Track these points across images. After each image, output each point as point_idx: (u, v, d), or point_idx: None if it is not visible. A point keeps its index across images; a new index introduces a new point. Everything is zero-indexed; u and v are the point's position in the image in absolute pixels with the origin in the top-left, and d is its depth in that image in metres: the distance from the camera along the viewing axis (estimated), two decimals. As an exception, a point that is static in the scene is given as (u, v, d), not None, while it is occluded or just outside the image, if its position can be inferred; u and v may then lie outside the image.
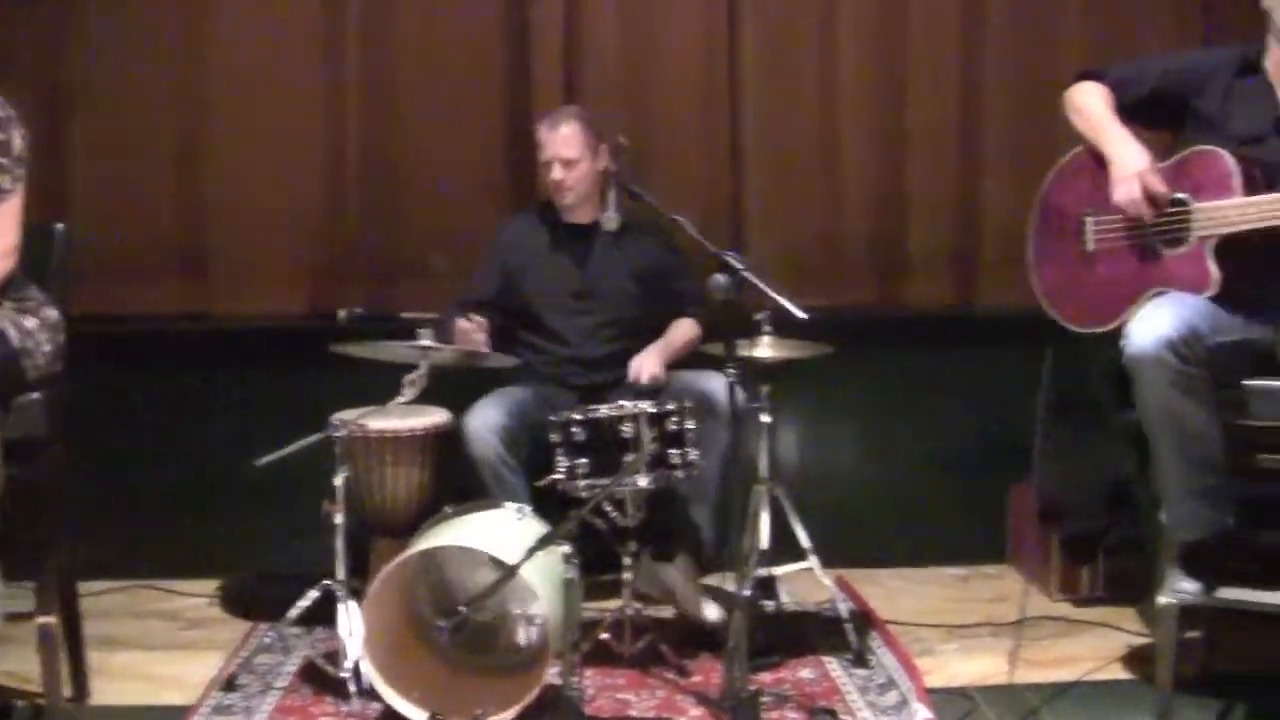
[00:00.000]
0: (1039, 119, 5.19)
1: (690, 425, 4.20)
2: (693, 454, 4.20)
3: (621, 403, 4.22)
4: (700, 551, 4.65)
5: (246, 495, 4.90)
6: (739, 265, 3.82)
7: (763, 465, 4.48)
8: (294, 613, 4.24)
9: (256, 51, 5.25)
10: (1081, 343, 4.15)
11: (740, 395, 3.87)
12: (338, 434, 4.17)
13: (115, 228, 5.21)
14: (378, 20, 5.27)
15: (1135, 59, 4.24)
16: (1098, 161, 4.08)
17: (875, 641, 4.60)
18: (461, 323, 4.55)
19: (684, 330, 4.88)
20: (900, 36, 5.43)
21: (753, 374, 4.38)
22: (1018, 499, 5.45)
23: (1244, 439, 3.82)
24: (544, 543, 3.65)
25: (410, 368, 4.17)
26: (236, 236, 5.30)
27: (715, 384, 4.47)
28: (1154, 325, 3.64)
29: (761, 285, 3.91)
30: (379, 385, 4.25)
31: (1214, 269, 3.79)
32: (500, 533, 3.98)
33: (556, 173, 4.75)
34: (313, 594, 4.21)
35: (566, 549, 3.69)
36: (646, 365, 4.69)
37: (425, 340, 4.17)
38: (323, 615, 4.21)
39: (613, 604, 4.42)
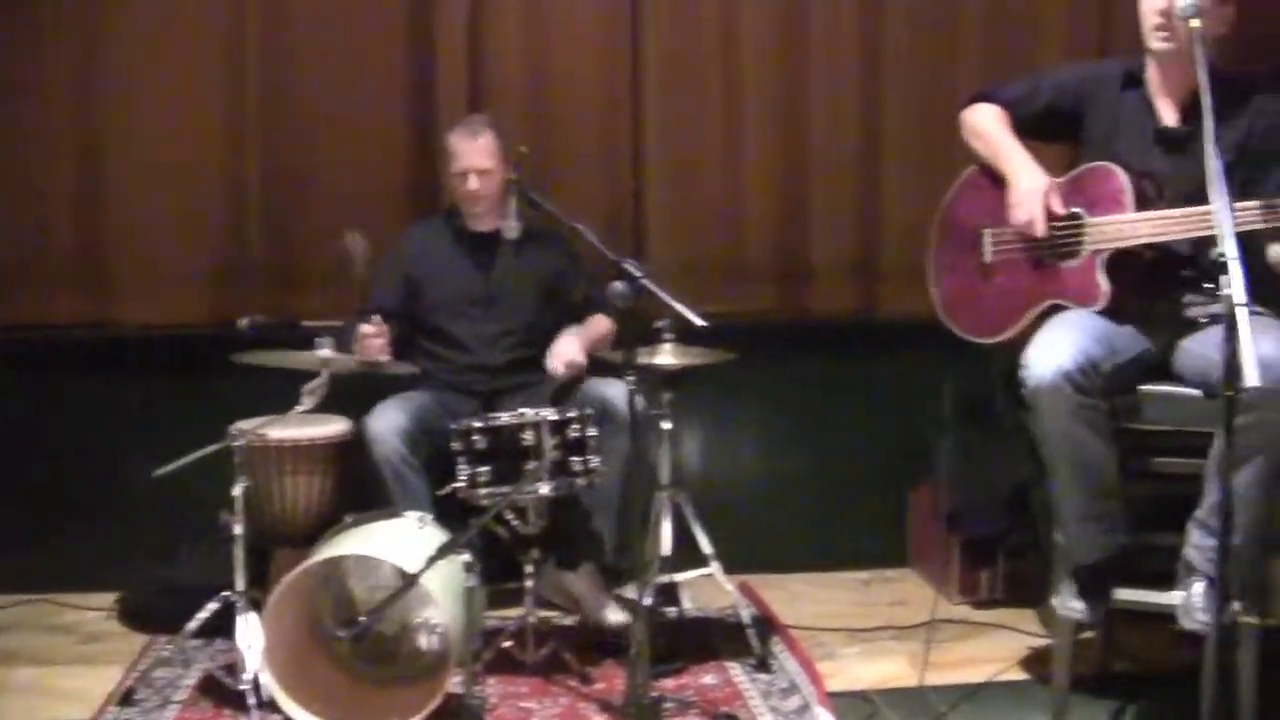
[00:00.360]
0: (938, 129, 5.24)
1: (592, 433, 4.20)
2: (594, 461, 4.20)
3: (523, 410, 4.22)
4: (603, 559, 4.65)
5: (145, 506, 4.86)
6: (638, 273, 3.83)
7: (664, 472, 4.50)
8: (193, 625, 4.19)
9: (155, 54, 5.16)
10: (981, 347, 4.20)
11: (640, 403, 3.88)
12: (237, 443, 4.14)
13: (10, 234, 5.13)
14: (279, 25, 5.20)
15: (1027, 76, 4.29)
16: (996, 177, 4.14)
17: (778, 646, 4.62)
18: (364, 327, 4.51)
19: (601, 323, 4.88)
20: (802, 47, 5.46)
21: (654, 381, 4.39)
22: (918, 503, 5.51)
23: (1138, 443, 3.90)
24: (444, 551, 3.65)
25: (310, 376, 4.14)
26: (135, 243, 5.21)
27: (615, 391, 4.49)
28: (1052, 356, 3.70)
29: (661, 293, 3.91)
30: (279, 394, 4.21)
31: (1104, 282, 3.85)
32: (402, 541, 3.98)
33: (473, 183, 4.73)
34: (212, 606, 4.16)
35: (467, 557, 3.68)
36: (566, 351, 4.67)
37: (325, 349, 4.14)
38: (222, 627, 4.16)
39: (515, 612, 4.41)
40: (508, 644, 4.31)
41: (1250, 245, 3.53)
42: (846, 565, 5.57)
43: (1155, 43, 3.89)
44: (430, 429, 4.52)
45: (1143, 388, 3.86)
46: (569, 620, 4.70)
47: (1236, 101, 3.88)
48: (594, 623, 4.57)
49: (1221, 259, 3.00)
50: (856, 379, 5.57)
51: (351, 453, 4.56)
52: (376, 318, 4.54)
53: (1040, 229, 3.95)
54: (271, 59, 5.21)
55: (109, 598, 5.05)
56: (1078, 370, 3.66)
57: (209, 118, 5.21)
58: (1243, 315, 2.91)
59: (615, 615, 4.55)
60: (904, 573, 5.57)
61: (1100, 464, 3.76)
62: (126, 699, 4.09)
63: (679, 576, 4.53)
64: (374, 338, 4.48)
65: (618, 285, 3.72)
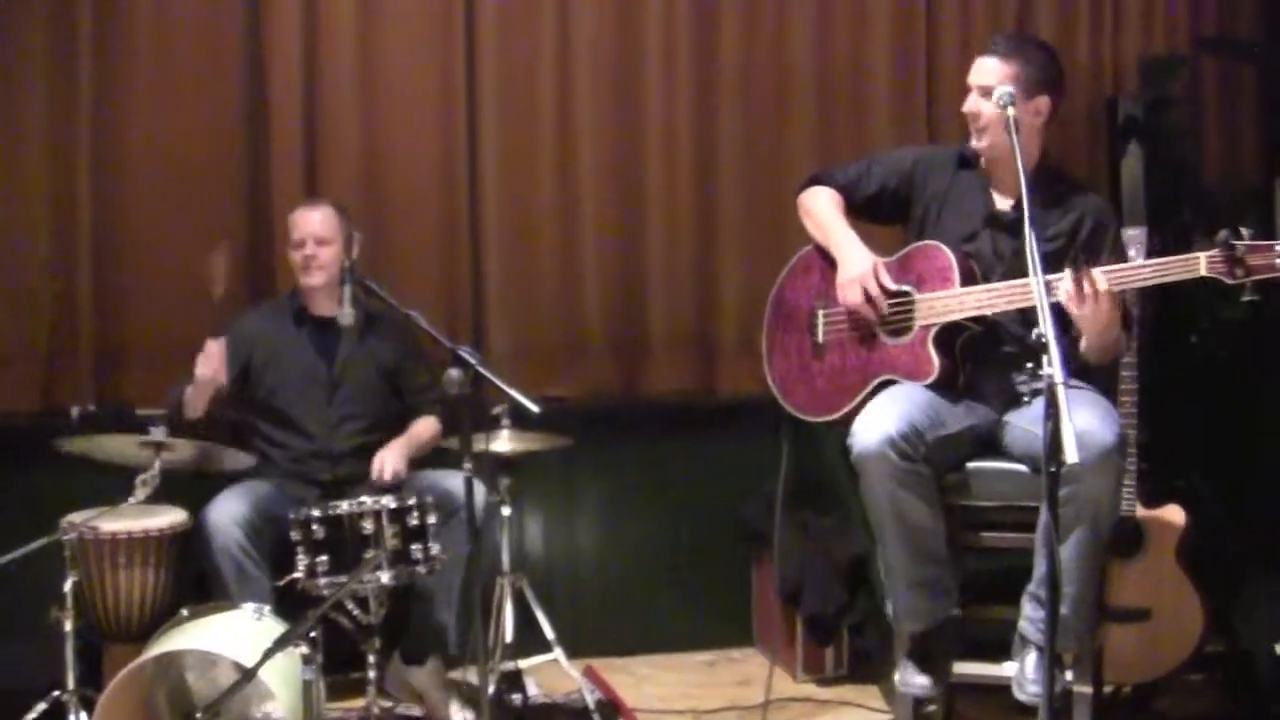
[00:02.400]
0: (773, 207, 5.35)
1: (431, 520, 4.17)
2: (435, 549, 4.17)
3: (362, 499, 4.17)
4: (446, 648, 4.61)
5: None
6: (472, 360, 3.82)
7: (505, 558, 4.49)
8: (21, 727, 4.08)
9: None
10: (820, 425, 4.25)
11: (480, 496, 3.86)
12: (66, 537, 4.05)
13: None
14: (110, 100, 5.11)
15: (862, 159, 4.38)
16: (829, 258, 4.21)
17: (623, 730, 4.62)
18: (209, 343, 4.45)
19: (426, 427, 4.87)
20: (637, 127, 5.51)
21: (492, 467, 4.39)
22: (762, 582, 5.53)
23: (971, 519, 3.98)
24: (280, 644, 3.58)
25: (144, 467, 4.07)
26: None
27: (457, 483, 4.44)
28: (877, 424, 3.77)
29: (495, 380, 3.90)
30: (111, 485, 4.14)
31: (935, 356, 3.93)
32: (239, 634, 3.91)
33: (309, 248, 4.71)
34: (41, 706, 4.06)
35: (304, 649, 3.63)
36: (390, 461, 4.65)
37: (156, 435, 4.08)
38: (54, 728, 4.06)
39: (359, 703, 4.35)
40: (350, 735, 4.26)
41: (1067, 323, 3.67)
42: (691, 646, 5.57)
43: (974, 142, 4.03)
44: (272, 517, 4.46)
45: (972, 464, 3.95)
46: (414, 710, 4.65)
47: (1068, 195, 4.03)
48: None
49: (1041, 339, 3.08)
50: (696, 458, 5.60)
51: (188, 544, 4.48)
52: (222, 339, 4.49)
53: (876, 309, 4.02)
54: (103, 135, 5.11)
55: (-67, 700, 4.89)
56: (901, 437, 3.73)
57: (37, 199, 5.08)
58: (1062, 393, 2.99)
59: (460, 713, 4.50)
60: (749, 652, 5.58)
61: (927, 529, 3.83)
62: (-49, 806, 3.97)
63: (523, 663, 4.50)
64: (212, 356, 4.43)
65: (452, 373, 3.71)
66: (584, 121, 5.49)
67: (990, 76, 3.95)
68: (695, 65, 5.56)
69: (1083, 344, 3.81)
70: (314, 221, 4.74)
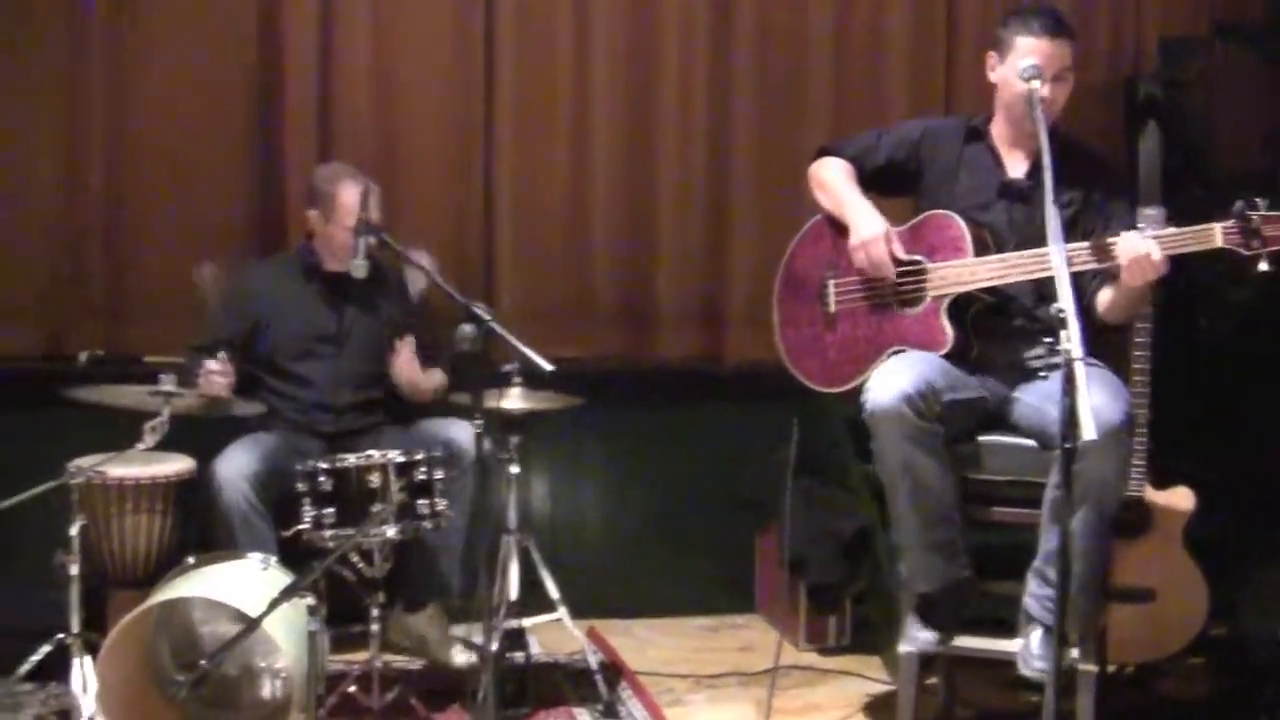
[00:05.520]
0: (785, 175, 5.33)
1: (438, 475, 4.18)
2: (440, 504, 4.17)
3: (370, 452, 4.17)
4: (449, 595, 4.62)
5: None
6: (485, 316, 3.79)
7: (511, 516, 4.48)
8: (25, 668, 4.09)
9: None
10: (826, 396, 4.24)
11: (486, 444, 3.85)
12: (74, 481, 4.05)
13: None
14: (122, 54, 5.10)
15: (871, 130, 4.36)
16: (839, 227, 4.19)
17: (625, 692, 4.62)
18: (209, 363, 4.43)
19: (433, 374, 4.88)
20: (652, 92, 5.49)
21: (502, 425, 4.39)
22: (765, 549, 5.53)
23: (977, 492, 3.97)
24: (286, 595, 3.59)
25: (152, 414, 4.07)
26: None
27: (460, 432, 4.48)
28: (893, 381, 3.76)
29: (508, 336, 3.90)
30: (119, 431, 4.13)
31: (948, 327, 3.92)
32: (244, 584, 3.91)
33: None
34: (45, 648, 4.07)
35: (310, 600, 3.63)
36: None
37: (166, 385, 4.07)
38: (56, 671, 4.08)
39: (361, 656, 4.34)
40: (352, 689, 4.22)
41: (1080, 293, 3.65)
42: (694, 611, 5.58)
43: (1029, 124, 3.88)
44: (280, 470, 4.45)
45: (981, 438, 3.94)
46: (415, 664, 4.66)
47: (1080, 166, 4.00)
48: (440, 664, 4.54)
49: (1060, 314, 3.06)
50: (703, 424, 5.60)
51: (194, 492, 4.49)
52: (223, 355, 4.47)
53: (888, 272, 4.01)
54: (115, 86, 5.10)
55: (-63, 639, 4.89)
56: (917, 394, 3.72)
57: (49, 145, 5.08)
58: (1080, 370, 2.98)
59: (461, 656, 4.52)
60: (751, 619, 5.59)
61: (938, 489, 3.83)
62: (-48, 744, 3.98)
63: (527, 621, 4.49)
64: (219, 375, 4.41)
65: (465, 328, 3.70)
66: (600, 86, 5.47)
67: (1069, 59, 3.93)
68: (712, 33, 5.53)
69: (1105, 303, 3.83)
70: (373, 208, 4.54)
